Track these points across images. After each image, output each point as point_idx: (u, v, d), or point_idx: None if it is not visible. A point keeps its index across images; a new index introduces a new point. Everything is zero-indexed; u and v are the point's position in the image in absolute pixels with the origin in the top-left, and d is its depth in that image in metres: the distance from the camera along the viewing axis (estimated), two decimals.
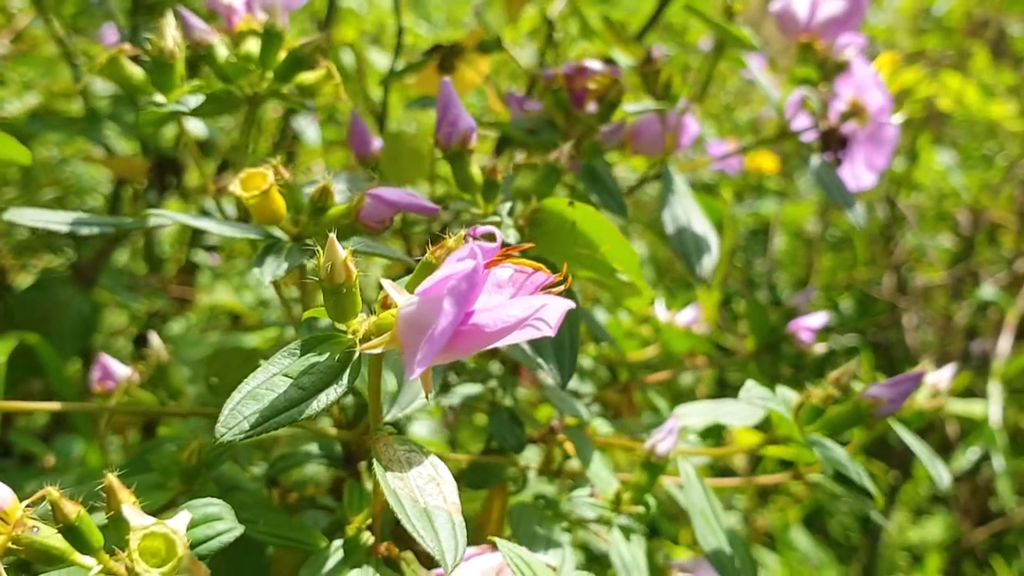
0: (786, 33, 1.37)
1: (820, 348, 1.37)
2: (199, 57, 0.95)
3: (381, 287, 0.63)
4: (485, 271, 0.55)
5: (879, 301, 3.03)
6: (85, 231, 0.85)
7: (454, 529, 0.63)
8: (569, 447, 1.07)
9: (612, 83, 1.14)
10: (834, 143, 1.32)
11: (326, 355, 0.64)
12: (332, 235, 0.60)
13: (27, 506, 0.64)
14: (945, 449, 2.43)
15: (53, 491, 0.63)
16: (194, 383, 1.37)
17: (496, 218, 0.87)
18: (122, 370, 1.01)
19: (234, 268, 2.43)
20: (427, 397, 0.61)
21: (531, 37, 2.32)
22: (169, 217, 0.84)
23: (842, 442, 1.00)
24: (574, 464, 1.13)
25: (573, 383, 1.17)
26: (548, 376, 0.88)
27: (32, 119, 1.67)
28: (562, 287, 0.59)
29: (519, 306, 0.54)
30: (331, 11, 2.04)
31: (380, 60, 2.28)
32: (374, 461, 0.65)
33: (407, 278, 0.65)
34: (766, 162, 3.05)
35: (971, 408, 2.19)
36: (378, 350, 0.60)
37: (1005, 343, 2.36)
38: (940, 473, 1.04)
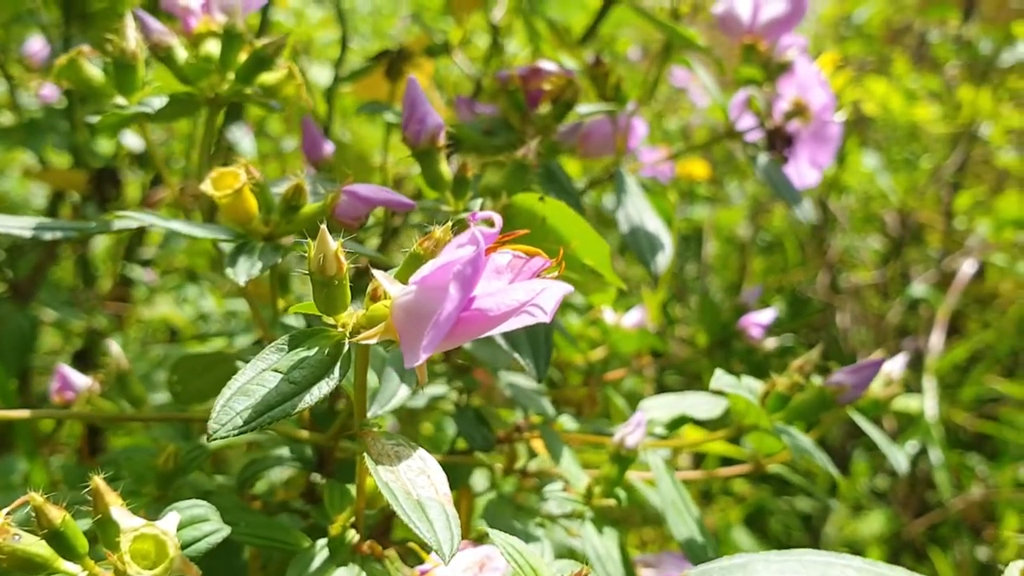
0: (729, 35, 1.39)
1: (770, 343, 1.39)
2: (158, 59, 0.94)
3: (371, 279, 0.63)
4: (485, 256, 0.55)
5: (811, 302, 3.09)
6: (48, 236, 0.83)
7: (448, 520, 0.63)
8: (536, 445, 1.08)
9: (567, 84, 1.15)
10: (780, 142, 1.35)
11: (315, 349, 0.64)
12: (323, 227, 0.60)
13: (8, 513, 0.63)
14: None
15: (37, 497, 0.62)
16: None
17: (467, 214, 0.88)
18: (82, 380, 0.99)
19: (169, 283, 2.40)
20: (420, 387, 0.61)
21: (465, 47, 2.32)
22: (136, 219, 0.82)
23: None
24: (538, 463, 1.13)
25: (525, 382, 1.17)
26: (522, 370, 0.88)
27: None
28: (556, 273, 0.59)
29: (521, 290, 0.54)
30: (264, 23, 2.03)
31: (315, 72, 2.27)
32: (365, 456, 0.65)
33: (395, 270, 0.65)
34: (697, 168, 3.10)
35: (908, 403, 2.24)
36: (373, 341, 0.60)
37: (937, 339, 2.42)
38: (898, 459, 1.07)
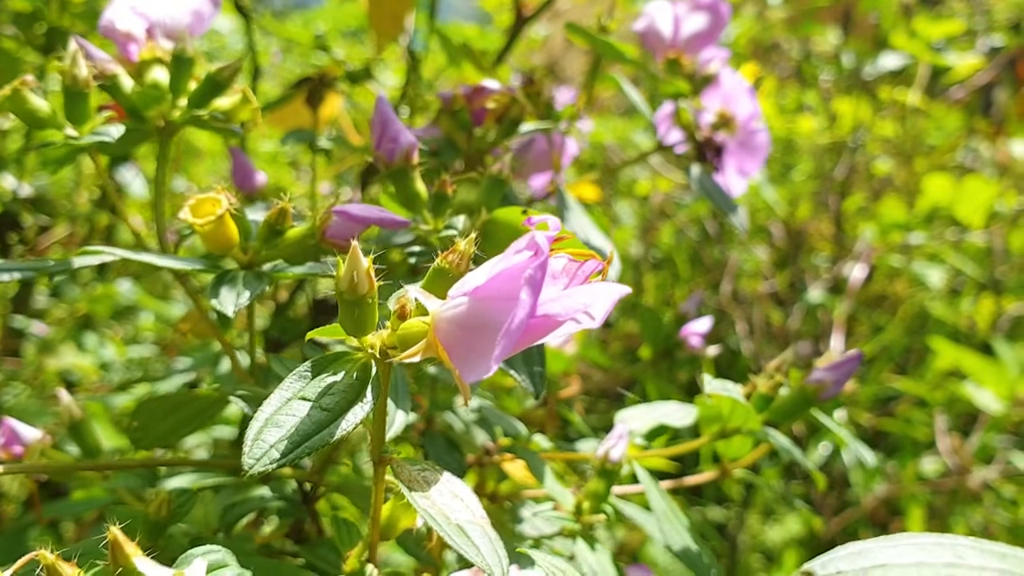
0: (652, 50, 1.41)
1: (711, 351, 1.41)
2: (102, 88, 0.89)
3: (398, 297, 0.60)
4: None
5: (702, 314, 3.15)
6: (6, 277, 0.78)
7: (491, 542, 0.61)
8: (508, 467, 1.06)
9: (511, 102, 1.14)
10: (710, 152, 1.37)
11: (342, 373, 0.61)
12: (355, 244, 0.58)
13: (11, 574, 0.58)
14: (798, 443, 2.54)
15: (47, 554, 0.57)
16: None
17: (451, 232, 0.85)
18: (31, 432, 0.93)
19: (60, 334, 2.28)
20: (466, 405, 0.59)
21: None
22: (108, 252, 0.78)
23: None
24: (507, 486, 1.11)
25: (489, 403, 1.15)
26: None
27: None
28: (602, 276, 0.58)
29: (584, 294, 0.53)
30: None
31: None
32: (399, 483, 0.62)
33: (418, 284, 0.62)
34: (587, 191, 3.13)
35: None
36: (416, 359, 0.57)
37: (837, 342, 2.49)
38: (864, 455, 1.09)
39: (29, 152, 1.71)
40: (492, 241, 0.87)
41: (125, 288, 2.12)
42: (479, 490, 1.10)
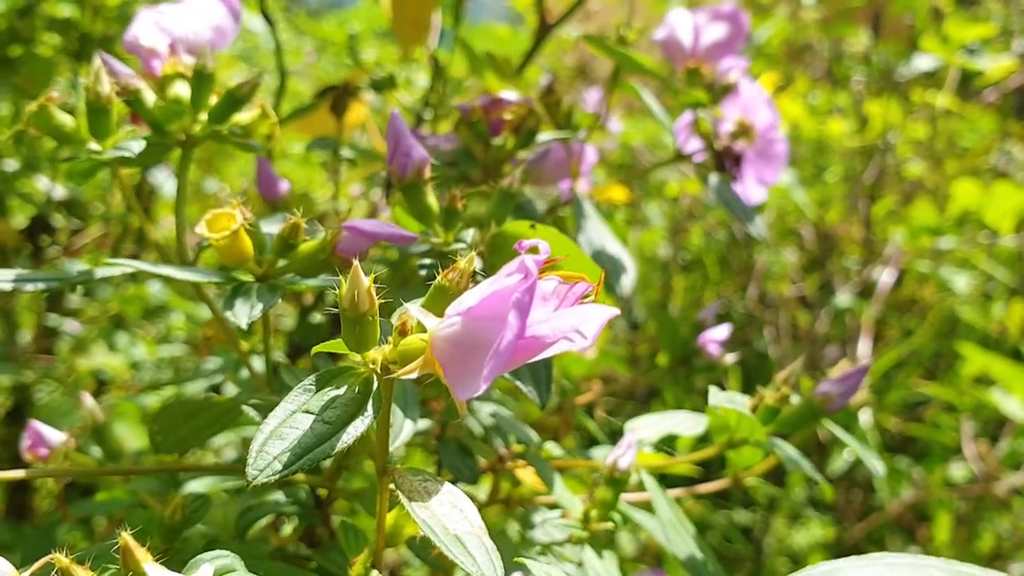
0: (672, 60, 1.42)
1: (729, 359, 1.41)
2: (126, 103, 0.92)
3: (400, 314, 0.62)
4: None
5: (731, 317, 3.15)
6: (30, 287, 0.81)
7: (488, 553, 0.63)
8: (521, 474, 1.08)
9: (529, 113, 1.16)
10: (729, 161, 1.38)
11: (344, 387, 0.63)
12: (356, 263, 0.60)
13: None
14: (821, 450, 2.54)
15: (62, 558, 0.60)
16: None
17: (460, 245, 0.87)
18: (55, 435, 0.96)
19: (93, 333, 2.33)
20: (462, 419, 0.61)
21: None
22: (128, 265, 0.80)
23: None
24: (520, 492, 1.13)
25: (504, 410, 1.17)
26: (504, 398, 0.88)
27: None
28: (593, 297, 0.59)
29: (573, 316, 0.55)
30: None
31: None
32: (398, 493, 0.64)
33: (419, 301, 0.64)
34: (616, 193, 3.14)
35: None
36: (414, 375, 0.59)
37: (864, 347, 2.49)
38: (875, 466, 1.09)
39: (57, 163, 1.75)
40: (501, 254, 0.89)
41: (156, 289, 2.15)
42: (493, 496, 1.12)
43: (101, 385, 2.27)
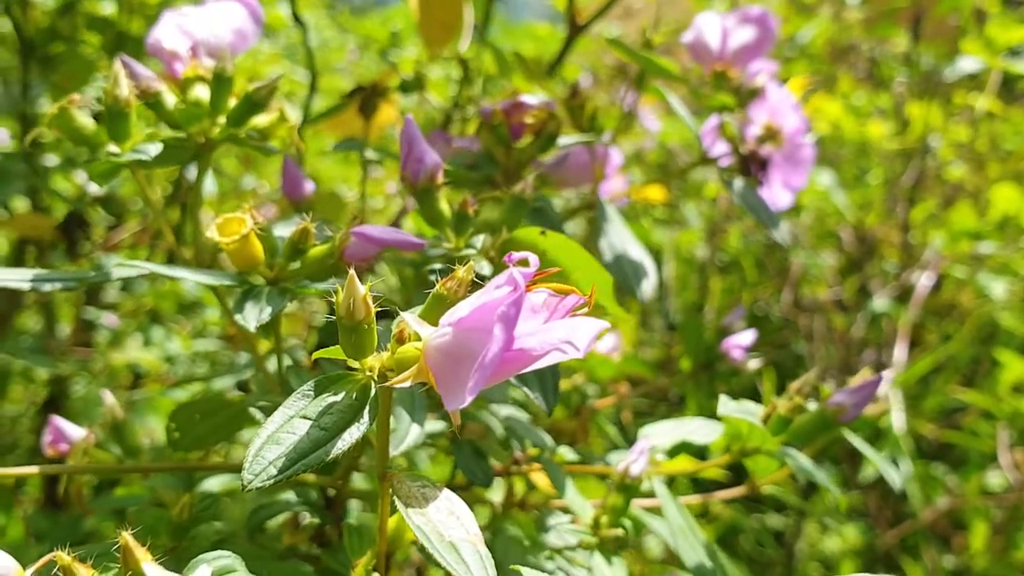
0: (699, 62, 1.41)
1: (753, 364, 1.41)
2: (147, 105, 0.93)
3: (398, 322, 0.63)
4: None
5: (770, 320, 3.13)
6: (48, 287, 0.82)
7: (482, 560, 0.63)
8: (535, 478, 1.08)
9: (549, 117, 1.16)
10: (755, 166, 1.37)
11: (342, 394, 0.63)
12: (351, 271, 0.60)
13: (32, 574, 0.62)
14: (852, 458, 2.52)
15: (64, 556, 0.61)
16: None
17: (471, 251, 0.88)
18: (77, 432, 0.98)
19: (131, 327, 2.36)
20: (455, 428, 0.61)
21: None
22: (139, 267, 0.82)
23: None
24: (536, 496, 1.14)
25: (519, 414, 1.18)
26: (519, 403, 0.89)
27: None
28: (586, 309, 0.60)
29: (561, 329, 0.55)
30: None
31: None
32: (395, 499, 0.64)
33: (417, 310, 0.65)
34: (654, 193, 3.13)
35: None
36: (407, 384, 0.60)
37: (900, 352, 2.46)
38: (893, 476, 1.08)
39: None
40: None
41: (190, 285, 2.18)
42: (508, 499, 1.12)
43: (137, 379, 2.31)
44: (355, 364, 0.64)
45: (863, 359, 2.66)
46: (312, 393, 0.64)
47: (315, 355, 0.66)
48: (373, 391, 0.64)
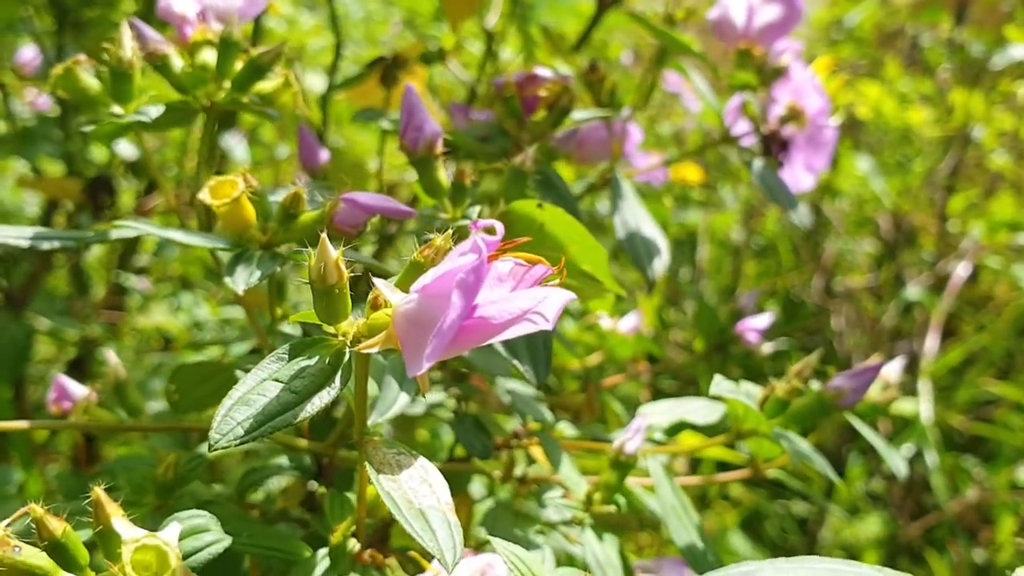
0: (724, 40, 1.39)
1: (767, 348, 1.39)
2: (154, 68, 0.94)
3: (371, 287, 0.63)
4: (487, 265, 0.55)
5: (805, 306, 3.10)
6: (46, 246, 0.83)
7: (450, 528, 0.62)
8: (535, 452, 1.08)
9: (563, 90, 1.15)
10: (776, 146, 1.35)
11: (316, 358, 0.64)
12: (324, 236, 0.60)
13: (7, 525, 0.63)
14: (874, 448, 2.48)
15: (37, 508, 0.62)
16: None
17: (466, 222, 0.88)
18: (79, 390, 0.99)
19: (163, 291, 2.39)
20: (423, 396, 0.61)
21: (458, 53, 2.33)
22: (135, 228, 0.82)
23: None
24: (536, 469, 1.13)
25: (523, 388, 1.17)
26: (518, 376, 0.88)
27: None
28: (557, 280, 0.59)
29: (523, 298, 0.54)
30: (257, 30, 2.03)
31: (308, 78, 2.28)
32: (366, 464, 0.64)
33: (394, 278, 0.65)
34: (691, 173, 3.10)
35: (902, 406, 2.24)
36: (375, 350, 0.60)
37: (932, 342, 2.43)
38: (897, 464, 1.07)
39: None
40: (510, 232, 0.88)
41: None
42: (507, 472, 1.12)
43: (167, 343, 2.34)
44: (330, 329, 0.64)
45: (894, 348, 2.63)
46: (286, 356, 0.64)
47: (291, 319, 0.66)
48: (347, 356, 0.64)
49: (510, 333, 0.56)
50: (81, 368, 1.86)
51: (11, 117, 1.77)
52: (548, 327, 0.56)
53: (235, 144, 2.36)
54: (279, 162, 2.84)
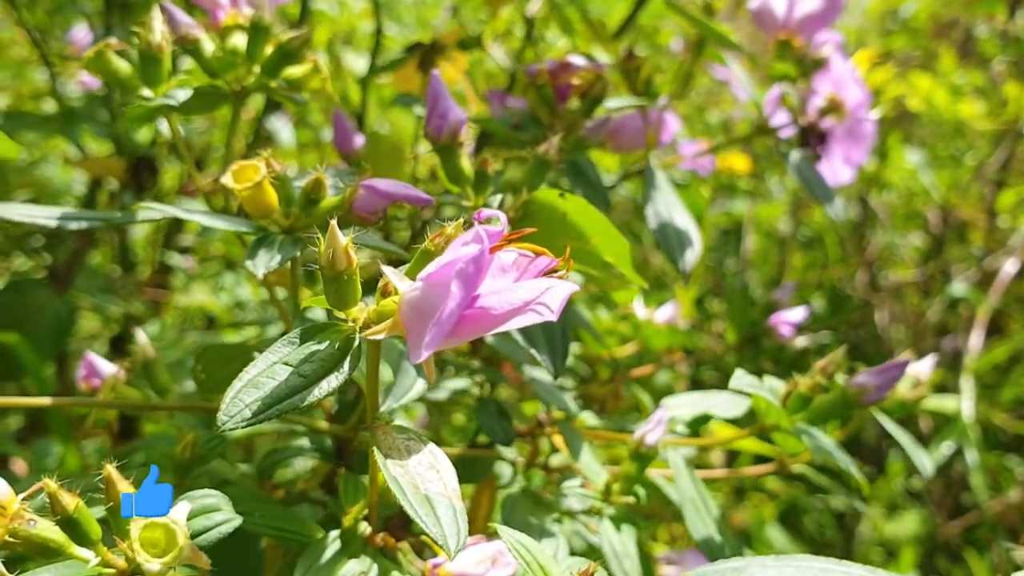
0: (764, 30, 1.38)
1: (800, 342, 1.38)
2: (185, 51, 0.95)
3: (381, 275, 0.63)
4: (490, 255, 0.55)
5: (851, 299, 3.06)
6: (73, 226, 0.85)
7: (455, 515, 0.63)
8: (557, 440, 1.08)
9: (596, 79, 1.15)
10: (814, 138, 1.33)
11: (326, 343, 0.64)
12: (333, 222, 0.61)
13: (24, 499, 0.64)
14: (919, 444, 2.45)
15: (51, 483, 0.63)
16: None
17: (475, 212, 0.88)
18: (108, 367, 1.01)
19: (208, 271, 2.42)
20: (429, 384, 0.62)
21: (505, 39, 2.32)
22: (159, 210, 0.83)
23: None
24: (560, 458, 1.13)
25: (548, 377, 1.17)
26: (541, 365, 0.88)
27: (7, 118, 1.65)
28: (563, 272, 0.59)
29: (525, 289, 0.54)
30: (304, 12, 2.04)
31: (354, 61, 2.28)
32: (374, 449, 0.65)
33: (406, 266, 0.65)
34: (738, 162, 3.07)
35: (944, 403, 2.21)
36: (381, 336, 0.60)
37: (976, 339, 2.38)
38: (923, 462, 1.06)
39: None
40: (532, 221, 0.89)
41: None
42: (531, 460, 1.12)
43: (210, 322, 2.37)
44: (340, 315, 0.65)
45: (939, 343, 2.59)
46: (297, 341, 0.64)
47: (304, 303, 0.67)
48: (357, 342, 0.64)
49: (513, 324, 0.56)
50: (122, 345, 1.89)
51: (59, 96, 1.80)
52: (552, 318, 0.56)
53: (281, 127, 2.38)
54: (324, 145, 2.86)
